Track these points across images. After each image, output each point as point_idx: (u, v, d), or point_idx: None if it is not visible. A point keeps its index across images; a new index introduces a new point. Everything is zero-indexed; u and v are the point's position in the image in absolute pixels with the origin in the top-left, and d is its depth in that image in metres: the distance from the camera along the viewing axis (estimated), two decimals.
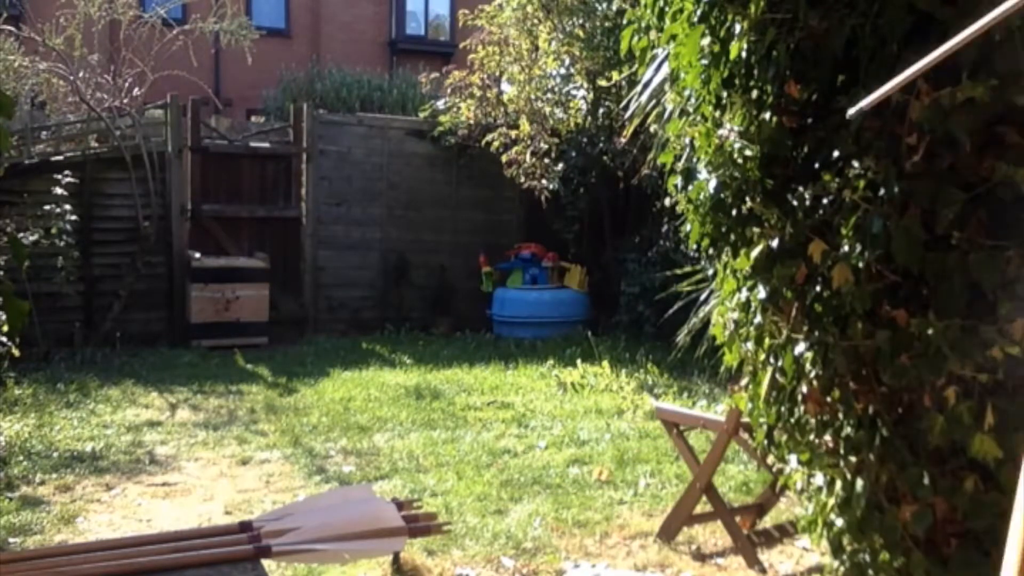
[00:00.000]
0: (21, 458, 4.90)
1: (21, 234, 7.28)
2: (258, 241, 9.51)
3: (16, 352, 5.07)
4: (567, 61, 9.39)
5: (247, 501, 4.38)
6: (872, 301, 2.09)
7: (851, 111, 1.64)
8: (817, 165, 2.25)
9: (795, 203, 2.28)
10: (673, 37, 2.61)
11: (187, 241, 9.10)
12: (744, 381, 2.75)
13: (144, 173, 8.70)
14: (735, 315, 2.67)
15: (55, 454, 5.03)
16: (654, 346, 8.16)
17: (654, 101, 4.45)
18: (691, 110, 2.71)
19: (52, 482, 4.59)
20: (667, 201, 3.63)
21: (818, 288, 2.24)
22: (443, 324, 10.09)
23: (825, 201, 2.20)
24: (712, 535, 3.91)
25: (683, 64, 2.58)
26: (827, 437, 2.34)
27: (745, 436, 3.56)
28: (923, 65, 1.41)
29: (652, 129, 4.85)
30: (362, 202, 10.18)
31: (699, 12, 2.44)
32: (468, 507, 4.23)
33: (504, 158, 9.15)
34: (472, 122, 9.74)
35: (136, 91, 9.02)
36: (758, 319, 2.49)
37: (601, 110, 9.45)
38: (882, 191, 2.04)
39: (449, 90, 9.94)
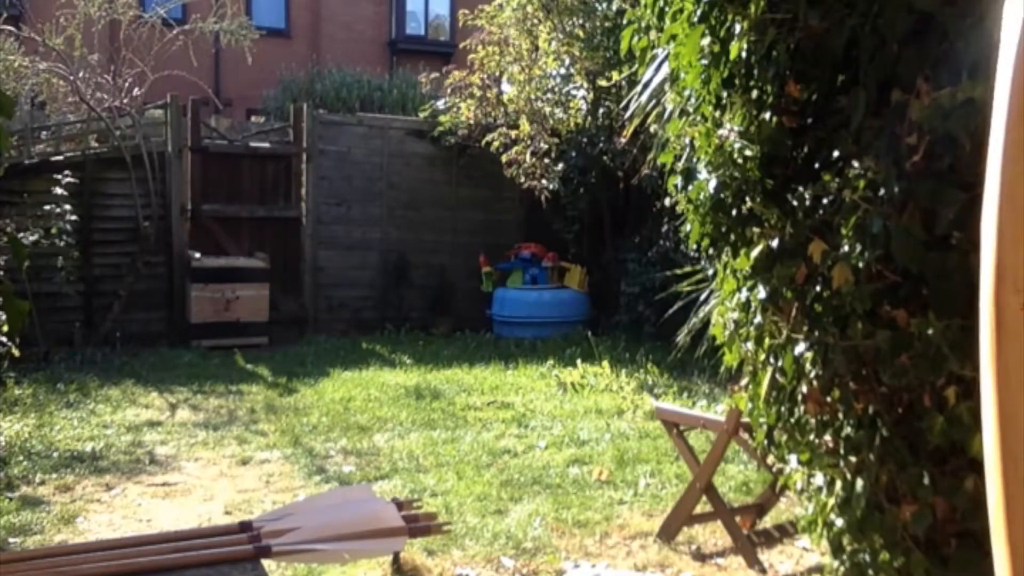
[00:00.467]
0: (21, 458, 4.90)
1: (21, 234, 7.28)
2: (258, 241, 9.51)
3: (16, 352, 5.07)
4: (567, 61, 9.38)
5: (247, 501, 4.38)
6: (872, 301, 2.09)
7: None
8: (817, 165, 2.25)
9: (795, 203, 2.28)
10: (673, 37, 2.61)
11: (187, 241, 9.11)
12: (744, 381, 2.75)
13: (144, 173, 8.71)
14: (735, 315, 2.67)
15: (55, 454, 5.03)
16: (654, 346, 8.16)
17: (654, 101, 4.44)
18: (691, 110, 2.71)
19: (52, 482, 4.59)
20: (667, 201, 3.63)
21: (818, 288, 2.24)
22: (443, 324, 10.09)
23: (825, 201, 2.19)
24: (712, 535, 3.91)
25: (683, 64, 2.58)
26: (827, 437, 2.34)
27: (745, 436, 3.56)
28: None
29: (652, 129, 4.84)
30: (362, 202, 10.18)
31: (699, 12, 2.44)
32: (468, 507, 4.23)
33: (504, 158, 9.15)
34: (472, 122, 9.74)
35: (136, 91, 9.02)
36: (758, 319, 2.49)
37: (601, 110, 9.45)
38: (882, 191, 2.03)
39: (449, 90, 9.94)
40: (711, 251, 2.71)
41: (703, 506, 3.85)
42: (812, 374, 2.30)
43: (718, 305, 2.90)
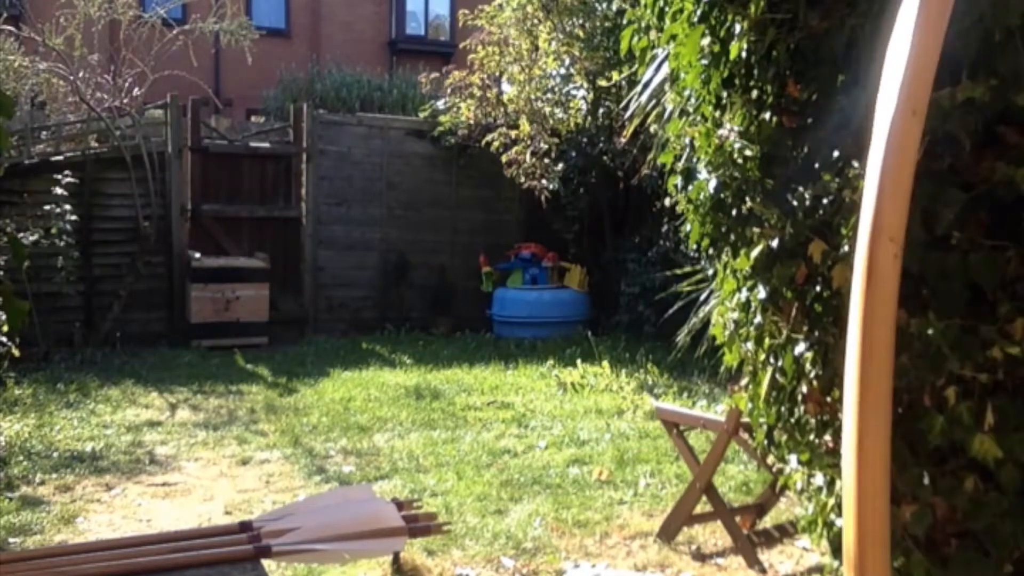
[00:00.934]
0: (21, 458, 4.90)
1: (21, 234, 7.29)
2: (258, 241, 9.51)
3: (16, 352, 5.08)
4: (567, 61, 9.39)
5: (247, 501, 4.38)
6: None
7: None
8: (817, 165, 2.25)
9: (795, 203, 2.28)
10: (673, 37, 2.61)
11: (187, 241, 9.11)
12: (744, 381, 2.75)
13: (144, 173, 8.71)
14: (735, 315, 2.67)
15: (55, 454, 5.03)
16: (654, 346, 8.16)
17: (654, 101, 4.44)
18: (691, 110, 2.71)
19: (52, 482, 4.59)
20: (667, 201, 3.62)
21: (818, 288, 2.24)
22: (443, 324, 10.09)
23: (825, 201, 2.19)
24: (712, 535, 3.91)
25: (683, 64, 2.58)
26: (827, 437, 2.34)
27: (745, 436, 3.56)
28: None
29: (652, 129, 4.84)
30: (362, 202, 10.18)
31: (699, 12, 2.44)
32: (468, 507, 4.23)
33: (504, 158, 9.15)
34: (472, 122, 9.74)
35: (136, 91, 9.02)
36: (758, 319, 2.48)
37: (601, 110, 9.45)
38: None
39: (449, 90, 9.94)
40: (711, 251, 2.71)
41: (703, 506, 3.85)
42: (812, 374, 2.30)
43: (718, 305, 2.90)
